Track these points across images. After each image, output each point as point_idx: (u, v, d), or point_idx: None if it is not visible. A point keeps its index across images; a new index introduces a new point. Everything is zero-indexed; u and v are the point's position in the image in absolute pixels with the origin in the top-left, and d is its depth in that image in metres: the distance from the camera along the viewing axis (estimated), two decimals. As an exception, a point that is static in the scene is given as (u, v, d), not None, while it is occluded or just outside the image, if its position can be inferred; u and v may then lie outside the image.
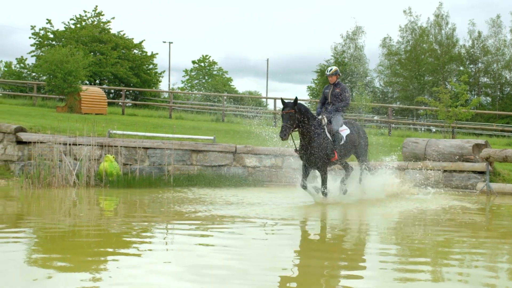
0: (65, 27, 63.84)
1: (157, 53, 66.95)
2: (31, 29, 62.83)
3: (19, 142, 20.71)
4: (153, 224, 12.33)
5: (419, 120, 62.65)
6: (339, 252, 10.13)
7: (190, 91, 75.10)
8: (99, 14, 65.32)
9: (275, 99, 40.68)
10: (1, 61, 77.74)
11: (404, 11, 76.38)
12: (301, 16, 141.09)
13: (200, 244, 10.51)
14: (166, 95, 65.78)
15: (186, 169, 21.09)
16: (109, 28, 65.01)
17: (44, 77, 43.68)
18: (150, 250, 10.10)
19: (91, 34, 62.01)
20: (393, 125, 42.72)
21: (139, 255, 9.68)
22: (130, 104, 51.16)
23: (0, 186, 19.22)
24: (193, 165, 21.33)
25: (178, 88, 78.96)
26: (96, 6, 65.63)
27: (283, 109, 15.46)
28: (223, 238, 11.10)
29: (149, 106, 51.12)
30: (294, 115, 15.27)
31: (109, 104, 44.72)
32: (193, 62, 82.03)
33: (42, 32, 62.94)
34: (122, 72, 60.93)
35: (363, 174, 17.53)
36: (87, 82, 54.89)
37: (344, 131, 16.50)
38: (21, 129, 20.99)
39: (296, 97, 15.51)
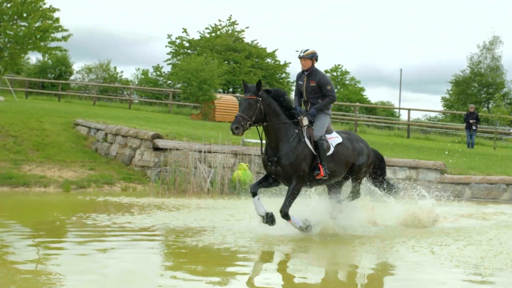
0: (200, 36, 65.00)
1: (289, 62, 67.17)
2: (168, 37, 64.39)
3: (156, 148, 21.17)
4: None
5: (559, 133, 60.20)
6: None
7: (321, 101, 74.95)
8: (234, 23, 66.16)
9: (408, 109, 39.99)
10: (139, 69, 79.81)
11: (545, 20, 73.44)
12: (436, 26, 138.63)
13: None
14: (298, 104, 65.83)
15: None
16: (243, 37, 65.74)
17: (180, 85, 44.54)
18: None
19: (225, 43, 62.87)
20: (532, 139, 41.17)
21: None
22: (263, 112, 51.43)
23: (137, 191, 19.66)
24: (324, 176, 21.14)
25: (310, 97, 78.94)
26: (231, 15, 66.72)
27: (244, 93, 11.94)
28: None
29: (281, 115, 51.17)
30: (255, 104, 11.57)
31: (242, 112, 45.13)
32: (326, 71, 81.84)
33: (178, 41, 64.34)
34: (255, 81, 61.36)
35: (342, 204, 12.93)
36: (221, 91, 55.65)
37: (334, 139, 12.54)
38: (158, 136, 21.43)
39: (260, 80, 12.03)
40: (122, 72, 74.09)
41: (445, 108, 73.49)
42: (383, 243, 11.62)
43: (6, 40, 38.27)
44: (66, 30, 39.01)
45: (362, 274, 9.57)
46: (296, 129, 11.99)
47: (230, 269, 9.63)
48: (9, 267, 9.21)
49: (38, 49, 39.33)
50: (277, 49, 67.22)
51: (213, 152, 20.23)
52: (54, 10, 38.42)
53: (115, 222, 13.38)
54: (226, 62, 60.60)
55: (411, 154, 23.21)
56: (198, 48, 62.66)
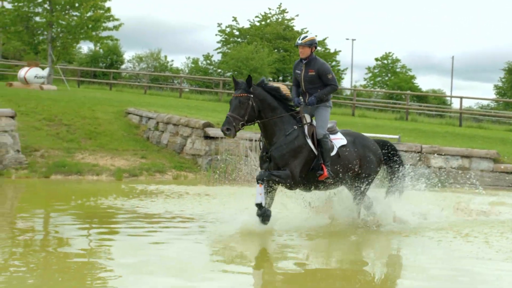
0: (250, 25, 64.95)
1: (340, 50, 66.85)
2: (218, 26, 64.45)
3: (207, 137, 21.25)
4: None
5: None
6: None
7: (372, 89, 74.52)
8: (283, 11, 65.97)
9: (460, 97, 39.41)
10: (189, 58, 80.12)
11: None
12: (488, 12, 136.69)
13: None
14: (348, 92, 65.62)
15: (370, 168, 20.79)
16: (293, 25, 65.55)
17: (230, 73, 44.59)
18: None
19: (275, 31, 62.75)
20: None
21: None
22: (313, 101, 51.28)
23: (188, 179, 19.75)
24: (377, 164, 21.02)
25: (361, 85, 78.52)
26: (280, 3, 66.21)
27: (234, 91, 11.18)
28: None
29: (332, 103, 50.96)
30: (246, 102, 10.82)
31: (292, 100, 44.99)
32: (376, 59, 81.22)
33: (228, 29, 64.38)
34: (305, 70, 61.23)
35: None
36: (271, 79, 55.57)
37: (338, 140, 11.69)
38: (209, 125, 21.50)
39: (250, 76, 11.23)
40: (172, 61, 74.25)
41: (497, 96, 72.45)
42: (437, 234, 11.49)
43: (59, 29, 38.79)
44: (117, 20, 39.41)
45: (414, 265, 9.46)
46: (295, 125, 11.19)
47: (281, 256, 9.64)
48: (62, 254, 9.33)
49: (90, 38, 39.79)
50: (327, 37, 66.89)
51: (264, 141, 20.19)
52: (105, 0, 38.81)
53: (167, 211, 13.46)
54: (276, 50, 60.52)
55: (463, 143, 22.96)
56: (248, 36, 62.65)
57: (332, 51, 66.34)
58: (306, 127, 11.26)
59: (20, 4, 37.87)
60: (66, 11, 38.32)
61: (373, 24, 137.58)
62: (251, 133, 20.46)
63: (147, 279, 8.11)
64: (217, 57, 65.44)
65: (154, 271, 8.49)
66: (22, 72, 35.84)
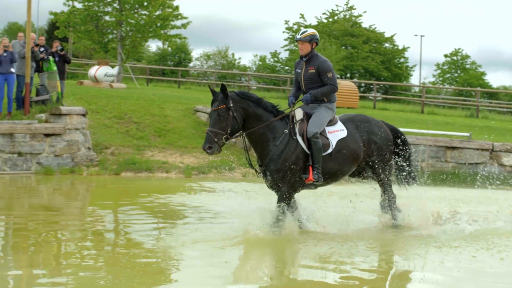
0: (317, 22, 64.83)
1: (408, 47, 66.24)
2: (285, 23, 64.50)
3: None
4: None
5: None
6: None
7: (441, 86, 73.55)
8: (351, 8, 65.70)
9: (533, 94, 38.66)
10: (256, 55, 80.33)
11: None
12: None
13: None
14: (416, 89, 64.90)
15: (440, 166, 20.57)
16: (361, 22, 65.21)
17: (297, 71, 44.39)
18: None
19: (343, 28, 62.51)
20: None
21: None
22: (381, 98, 50.97)
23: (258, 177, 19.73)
24: (447, 162, 20.77)
25: (429, 82, 77.65)
26: (348, 0, 65.98)
27: (211, 104, 10.31)
28: None
29: (400, 100, 50.51)
30: (226, 114, 10.01)
31: (360, 97, 44.73)
32: (445, 55, 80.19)
33: (295, 26, 64.34)
34: (373, 66, 60.86)
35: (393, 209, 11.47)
36: (338, 76, 55.32)
37: (336, 133, 10.73)
38: (277, 122, 21.46)
39: (223, 85, 10.31)
40: (240, 58, 74.95)
41: None
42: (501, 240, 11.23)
43: (128, 28, 39.27)
44: (185, 18, 39.70)
45: (471, 267, 9.22)
46: (285, 129, 10.37)
47: (349, 254, 9.56)
48: (131, 249, 9.43)
49: (159, 37, 40.23)
50: (395, 33, 66.32)
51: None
52: (173, -2, 39.19)
53: (236, 208, 13.43)
54: (343, 47, 60.26)
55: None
56: (315, 33, 62.53)
57: (400, 47, 65.79)
58: (297, 126, 10.48)
59: (90, 4, 38.47)
60: (135, 10, 38.79)
61: (442, 20, 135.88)
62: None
63: (217, 272, 8.26)
64: (284, 55, 65.52)
65: (226, 265, 8.54)
66: (93, 71, 36.34)
